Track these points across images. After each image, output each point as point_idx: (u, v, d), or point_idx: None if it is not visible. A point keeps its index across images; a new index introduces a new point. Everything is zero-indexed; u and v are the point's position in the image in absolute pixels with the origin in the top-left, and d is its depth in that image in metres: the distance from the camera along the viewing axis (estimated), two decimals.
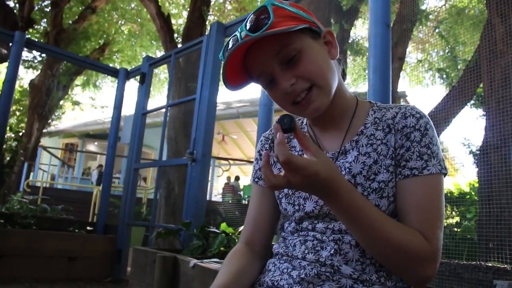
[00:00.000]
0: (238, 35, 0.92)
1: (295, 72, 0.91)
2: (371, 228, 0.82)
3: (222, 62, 0.91)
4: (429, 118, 0.95)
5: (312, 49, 0.93)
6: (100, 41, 11.97)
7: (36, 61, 11.46)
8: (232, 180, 12.57)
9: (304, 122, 1.12)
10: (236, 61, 0.92)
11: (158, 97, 15.69)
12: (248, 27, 0.90)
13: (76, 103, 14.16)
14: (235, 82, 0.96)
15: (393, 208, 0.91)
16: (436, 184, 0.89)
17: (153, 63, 4.68)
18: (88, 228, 4.72)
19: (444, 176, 0.91)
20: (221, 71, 0.94)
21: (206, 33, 4.16)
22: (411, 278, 0.87)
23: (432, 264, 0.85)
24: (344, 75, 1.07)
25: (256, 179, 1.12)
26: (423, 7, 5.71)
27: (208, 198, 7.79)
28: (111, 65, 11.46)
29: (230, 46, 0.95)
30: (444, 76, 6.73)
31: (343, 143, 0.98)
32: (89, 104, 15.17)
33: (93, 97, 15.09)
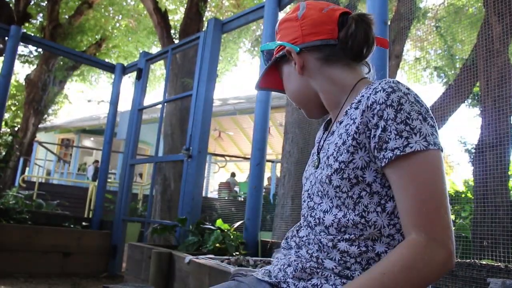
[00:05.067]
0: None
1: None
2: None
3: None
4: (409, 92, 0.86)
5: (286, 75, 1.09)
6: (96, 36, 11.91)
7: (32, 55, 11.40)
8: (229, 176, 12.58)
9: None
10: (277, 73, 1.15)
11: (154, 93, 15.65)
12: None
13: (65, 96, 14.07)
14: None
15: (360, 192, 0.87)
16: (424, 163, 0.81)
17: (150, 58, 4.66)
18: (84, 223, 4.71)
19: (439, 152, 0.83)
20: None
21: (203, 29, 4.14)
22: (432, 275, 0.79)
23: (440, 251, 0.78)
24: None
25: None
26: (421, 5, 5.71)
27: (204, 194, 7.79)
28: (107, 60, 11.42)
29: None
30: (442, 74, 6.74)
31: (332, 125, 1.02)
32: (81, 99, 15.09)
33: (82, 90, 14.97)
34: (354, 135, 0.87)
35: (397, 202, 0.84)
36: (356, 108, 0.90)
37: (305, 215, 1.01)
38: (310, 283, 0.90)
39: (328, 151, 0.95)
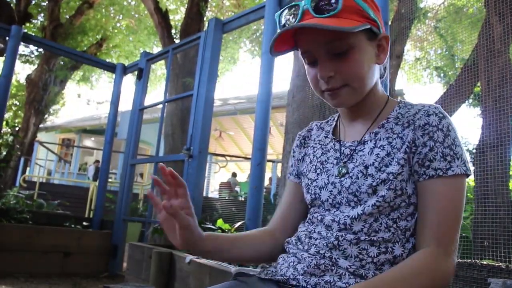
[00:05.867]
0: (302, 6, 0.91)
1: (338, 66, 0.93)
2: None
3: (278, 27, 0.94)
4: (452, 121, 0.95)
5: (363, 50, 0.94)
6: (97, 36, 11.92)
7: (32, 55, 11.41)
8: (230, 176, 12.58)
9: (334, 119, 1.15)
10: (289, 31, 0.94)
11: (154, 93, 15.66)
12: (313, 5, 0.90)
13: (61, 96, 14.06)
14: (279, 49, 0.99)
15: (400, 202, 0.92)
16: (459, 185, 0.90)
17: (151, 58, 4.66)
18: (84, 223, 4.71)
19: (467, 177, 0.92)
20: (272, 39, 0.93)
21: (204, 29, 4.14)
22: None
23: (449, 265, 0.87)
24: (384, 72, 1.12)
25: (289, 175, 1.19)
26: (421, 5, 5.71)
27: (204, 194, 7.78)
28: (108, 60, 11.42)
29: (288, 13, 0.94)
30: (442, 74, 6.74)
31: (364, 135, 1.01)
32: (82, 99, 15.09)
33: (79, 94, 14.99)
34: (406, 149, 0.93)
35: (423, 213, 0.91)
36: (397, 124, 0.97)
37: (322, 220, 0.99)
38: (323, 280, 0.90)
39: (364, 160, 0.96)
